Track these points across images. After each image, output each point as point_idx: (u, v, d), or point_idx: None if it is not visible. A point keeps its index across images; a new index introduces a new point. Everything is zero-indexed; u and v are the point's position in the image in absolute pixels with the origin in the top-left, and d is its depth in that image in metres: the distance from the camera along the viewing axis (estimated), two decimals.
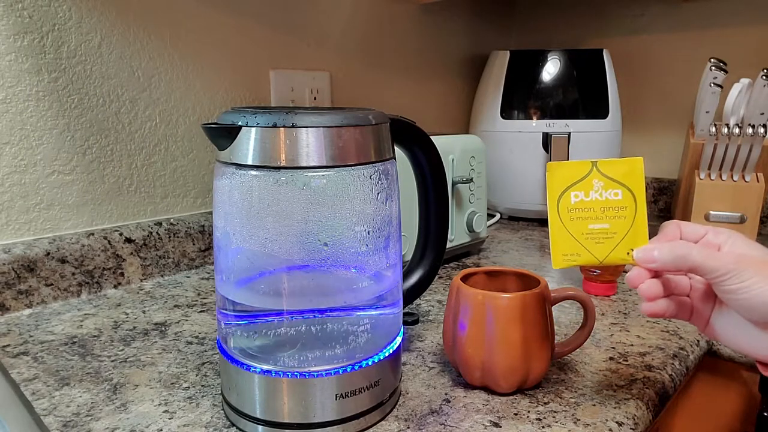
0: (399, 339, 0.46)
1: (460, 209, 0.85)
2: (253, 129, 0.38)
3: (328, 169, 0.39)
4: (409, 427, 0.43)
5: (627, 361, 0.54)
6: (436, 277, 0.64)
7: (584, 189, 0.43)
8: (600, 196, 0.42)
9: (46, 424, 0.33)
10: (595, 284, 0.72)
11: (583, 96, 1.08)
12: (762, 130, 0.87)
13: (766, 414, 0.62)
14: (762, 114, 0.89)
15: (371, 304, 0.43)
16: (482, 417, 0.44)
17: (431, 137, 0.50)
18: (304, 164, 0.38)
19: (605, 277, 0.71)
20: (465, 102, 1.31)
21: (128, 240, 0.74)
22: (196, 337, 0.59)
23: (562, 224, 0.43)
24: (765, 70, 0.86)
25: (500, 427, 0.43)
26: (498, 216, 1.15)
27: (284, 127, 0.38)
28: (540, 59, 1.10)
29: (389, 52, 1.11)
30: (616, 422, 0.44)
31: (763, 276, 0.36)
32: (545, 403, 0.46)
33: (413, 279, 0.53)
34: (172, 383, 0.49)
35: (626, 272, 0.57)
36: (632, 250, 0.41)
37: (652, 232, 0.41)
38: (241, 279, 0.43)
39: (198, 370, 0.52)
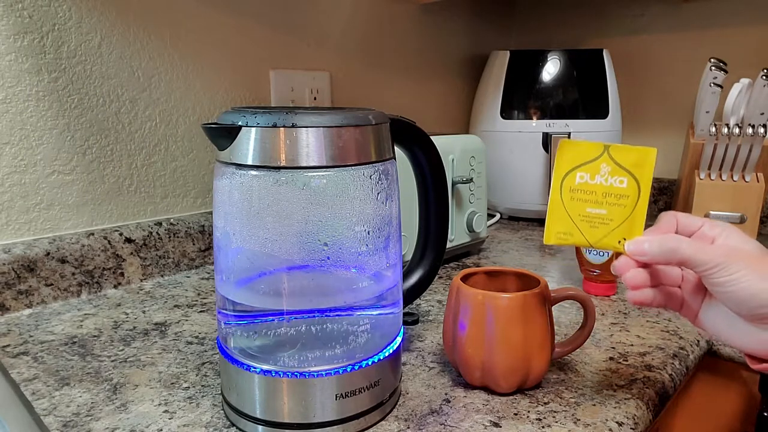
0: (399, 339, 0.46)
1: (460, 209, 0.85)
2: (253, 129, 0.38)
3: (328, 169, 0.39)
4: (409, 427, 0.43)
5: (627, 361, 0.54)
6: (436, 277, 0.64)
7: (591, 171, 0.43)
8: (605, 182, 0.43)
9: (46, 424, 0.33)
10: (595, 284, 0.72)
11: (583, 96, 1.08)
12: (762, 130, 0.87)
13: (766, 414, 0.62)
14: (762, 114, 0.89)
15: (371, 304, 0.43)
16: (482, 417, 0.44)
17: (431, 137, 0.50)
18: (304, 164, 0.38)
19: (605, 277, 0.71)
20: (465, 102, 1.31)
21: (128, 240, 0.74)
22: (196, 337, 0.59)
23: (562, 202, 0.43)
24: (765, 70, 0.86)
25: (500, 427, 0.43)
26: (498, 216, 1.15)
27: (284, 127, 0.38)
28: (540, 59, 1.10)
29: (389, 52, 1.11)
30: (616, 422, 0.44)
31: (751, 270, 0.36)
32: (545, 403, 0.46)
33: (413, 279, 0.53)
34: (172, 383, 0.49)
35: None
36: (624, 239, 0.42)
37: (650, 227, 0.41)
38: (241, 279, 0.43)
39: (198, 370, 0.52)
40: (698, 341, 0.60)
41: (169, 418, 0.44)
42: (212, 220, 0.51)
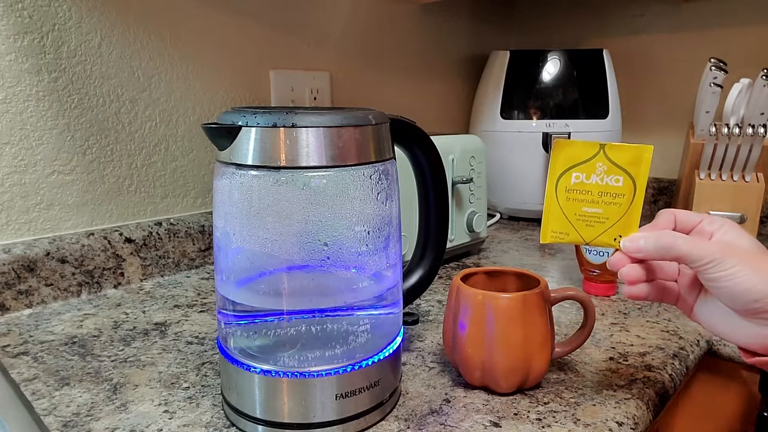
0: (399, 339, 0.46)
1: (460, 209, 0.85)
2: (253, 129, 0.38)
3: (328, 169, 0.39)
4: (409, 427, 0.43)
5: (627, 361, 0.54)
6: (436, 277, 0.64)
7: (586, 171, 0.43)
8: (600, 181, 0.43)
9: (46, 424, 0.33)
10: (595, 284, 0.72)
11: (583, 96, 1.08)
12: (762, 130, 0.87)
13: (766, 414, 0.62)
14: (762, 114, 0.89)
15: (371, 304, 0.43)
16: (482, 417, 0.44)
17: (431, 137, 0.50)
18: (304, 164, 0.38)
19: (605, 277, 0.71)
20: (465, 102, 1.31)
21: (128, 240, 0.74)
22: (196, 337, 0.59)
23: (558, 202, 0.44)
24: (765, 70, 0.86)
25: (500, 427, 0.43)
26: (498, 216, 1.15)
27: (284, 127, 0.38)
28: (540, 59, 1.10)
29: (389, 52, 1.11)
30: (616, 422, 0.44)
31: (746, 265, 0.37)
32: (545, 403, 0.46)
33: (413, 279, 0.53)
34: (172, 383, 0.49)
35: None
36: (620, 237, 0.42)
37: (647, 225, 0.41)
38: (241, 279, 0.43)
39: (198, 370, 0.52)
40: (698, 341, 0.60)
41: (169, 418, 0.44)
42: (212, 220, 0.51)
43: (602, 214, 0.43)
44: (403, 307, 0.49)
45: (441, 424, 0.43)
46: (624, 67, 1.18)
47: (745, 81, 0.90)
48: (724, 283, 0.37)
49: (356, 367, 0.41)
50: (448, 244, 0.81)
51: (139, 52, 0.75)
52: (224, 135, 0.39)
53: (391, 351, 0.44)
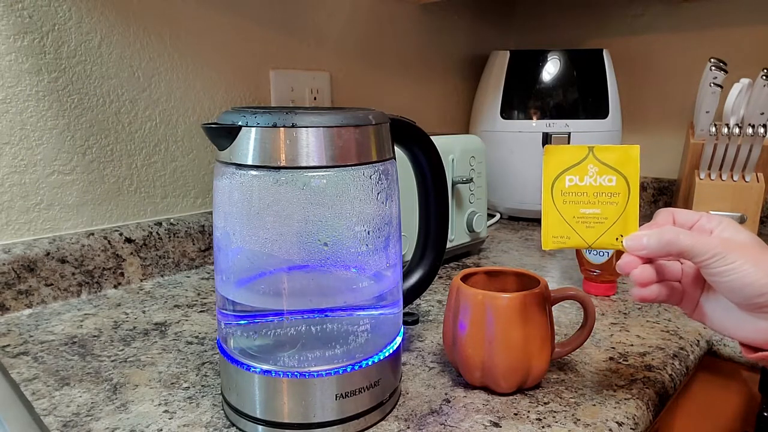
0: (399, 339, 0.46)
1: (460, 209, 0.85)
2: (253, 129, 0.38)
3: (328, 169, 0.39)
4: (409, 427, 0.43)
5: (627, 361, 0.54)
6: (436, 277, 0.64)
7: (579, 174, 0.43)
8: (594, 182, 0.43)
9: (46, 424, 0.33)
10: (595, 284, 0.72)
11: (583, 96, 1.08)
12: (762, 130, 0.87)
13: (766, 414, 0.62)
14: (762, 114, 0.89)
15: (371, 304, 0.43)
16: (482, 417, 0.44)
17: (431, 137, 0.50)
18: (304, 164, 0.38)
19: (605, 277, 0.71)
20: (465, 102, 1.31)
21: (128, 240, 0.74)
22: (196, 337, 0.59)
23: (555, 207, 0.44)
24: (765, 70, 0.86)
25: (500, 427, 0.43)
26: (498, 216, 1.15)
27: (284, 127, 0.38)
28: (540, 59, 1.10)
29: (389, 52, 1.11)
30: (616, 422, 0.44)
31: (747, 259, 0.37)
32: (545, 403, 0.46)
33: (413, 279, 0.53)
34: (172, 383, 0.49)
35: None
36: (622, 236, 0.42)
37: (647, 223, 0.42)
38: (241, 279, 0.43)
39: (198, 370, 0.52)
40: (698, 341, 0.60)
41: (169, 418, 0.44)
42: (212, 220, 0.51)
43: (600, 214, 0.43)
44: (403, 307, 0.49)
45: (441, 424, 0.43)
46: (624, 67, 1.18)
47: (745, 81, 0.90)
48: (728, 277, 0.37)
49: (356, 367, 0.41)
50: (448, 244, 0.81)
51: (139, 52, 0.75)
52: (224, 135, 0.39)
53: (391, 351, 0.44)
